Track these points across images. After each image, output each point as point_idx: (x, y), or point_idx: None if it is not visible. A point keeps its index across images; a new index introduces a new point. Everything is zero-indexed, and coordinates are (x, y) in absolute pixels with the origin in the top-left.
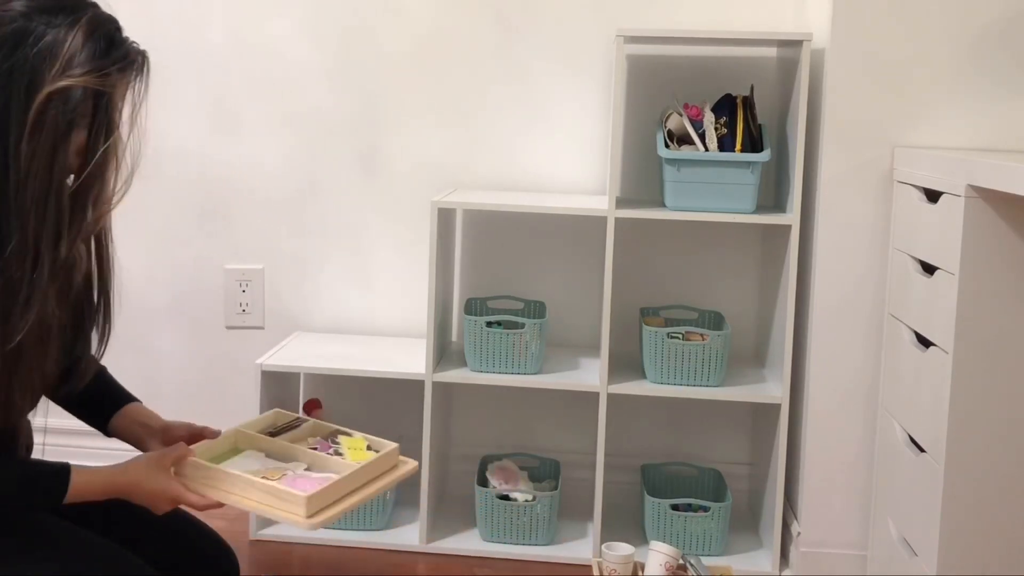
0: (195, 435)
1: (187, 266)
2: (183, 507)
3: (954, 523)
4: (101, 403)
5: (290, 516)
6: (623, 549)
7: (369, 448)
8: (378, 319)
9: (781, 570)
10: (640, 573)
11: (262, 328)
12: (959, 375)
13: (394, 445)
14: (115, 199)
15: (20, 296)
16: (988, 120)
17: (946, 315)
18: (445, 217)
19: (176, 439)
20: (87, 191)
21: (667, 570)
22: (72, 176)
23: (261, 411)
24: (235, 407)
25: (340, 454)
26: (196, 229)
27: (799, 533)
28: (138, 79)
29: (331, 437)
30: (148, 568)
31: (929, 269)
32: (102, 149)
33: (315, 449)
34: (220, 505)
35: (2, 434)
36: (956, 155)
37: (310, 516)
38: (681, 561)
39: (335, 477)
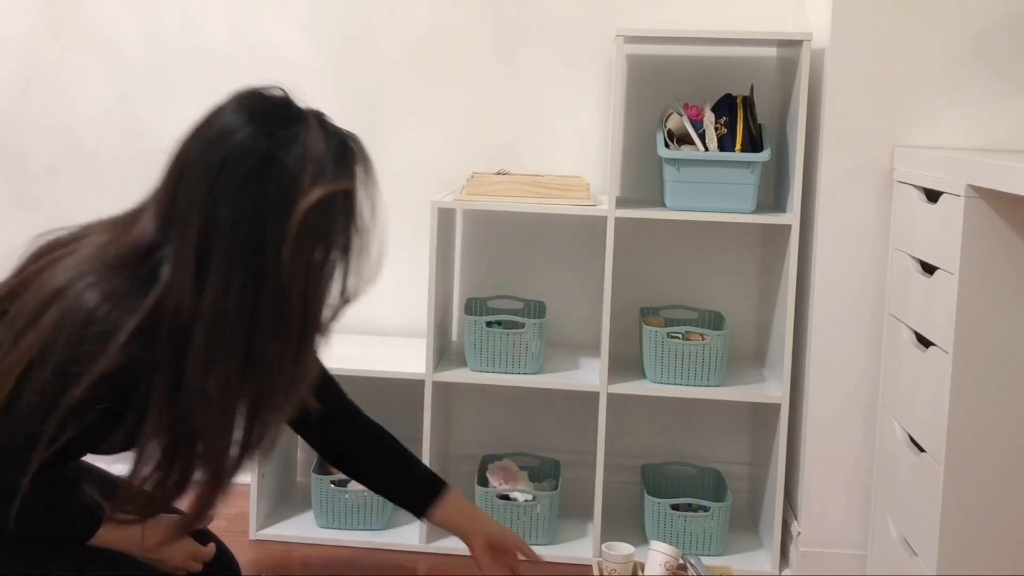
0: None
1: None
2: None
3: (954, 523)
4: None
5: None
6: (623, 549)
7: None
8: (378, 319)
9: (781, 570)
10: (640, 573)
11: None
12: (959, 375)
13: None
14: (366, 286)
15: (285, 397)
16: (988, 120)
17: (946, 315)
18: (445, 217)
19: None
20: (343, 285)
21: (667, 570)
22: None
23: None
24: None
25: None
26: None
27: (799, 533)
28: (367, 166)
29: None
30: (150, 569)
31: (929, 269)
32: (355, 242)
33: None
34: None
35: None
36: (956, 155)
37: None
38: (681, 561)
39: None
